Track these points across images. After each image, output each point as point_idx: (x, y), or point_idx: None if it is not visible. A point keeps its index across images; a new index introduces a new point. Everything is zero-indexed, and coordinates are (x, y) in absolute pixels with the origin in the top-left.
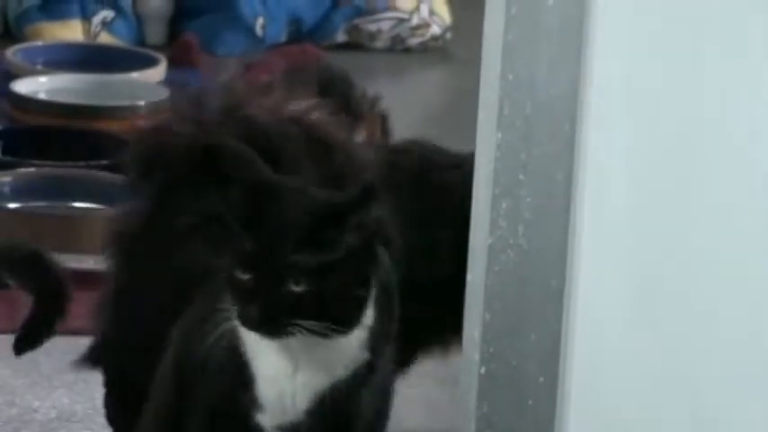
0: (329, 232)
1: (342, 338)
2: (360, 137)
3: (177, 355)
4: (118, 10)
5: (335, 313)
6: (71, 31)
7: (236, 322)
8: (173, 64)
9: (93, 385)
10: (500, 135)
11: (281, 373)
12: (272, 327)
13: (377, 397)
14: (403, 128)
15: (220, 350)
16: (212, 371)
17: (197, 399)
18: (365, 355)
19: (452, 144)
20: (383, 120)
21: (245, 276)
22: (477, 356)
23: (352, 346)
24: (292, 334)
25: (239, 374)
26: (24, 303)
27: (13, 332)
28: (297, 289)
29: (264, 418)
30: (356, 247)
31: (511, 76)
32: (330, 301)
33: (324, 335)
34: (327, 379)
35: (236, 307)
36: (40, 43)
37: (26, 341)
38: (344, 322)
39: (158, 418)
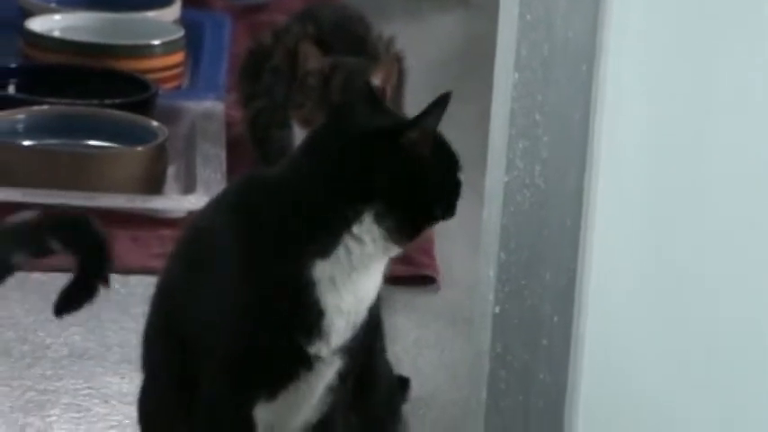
0: None
1: None
2: (376, 78)
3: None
4: None
5: None
6: None
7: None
8: (187, 3)
9: (106, 323)
10: (517, 76)
11: (357, 298)
12: None
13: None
14: (418, 70)
15: (281, 297)
16: (265, 321)
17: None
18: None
19: (468, 84)
20: (399, 61)
21: None
22: (491, 296)
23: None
24: None
25: (309, 316)
26: None
27: (28, 270)
28: None
29: (325, 347)
30: None
31: (528, 17)
32: None
33: None
34: (375, 286)
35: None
36: None
37: (67, 304)
38: None
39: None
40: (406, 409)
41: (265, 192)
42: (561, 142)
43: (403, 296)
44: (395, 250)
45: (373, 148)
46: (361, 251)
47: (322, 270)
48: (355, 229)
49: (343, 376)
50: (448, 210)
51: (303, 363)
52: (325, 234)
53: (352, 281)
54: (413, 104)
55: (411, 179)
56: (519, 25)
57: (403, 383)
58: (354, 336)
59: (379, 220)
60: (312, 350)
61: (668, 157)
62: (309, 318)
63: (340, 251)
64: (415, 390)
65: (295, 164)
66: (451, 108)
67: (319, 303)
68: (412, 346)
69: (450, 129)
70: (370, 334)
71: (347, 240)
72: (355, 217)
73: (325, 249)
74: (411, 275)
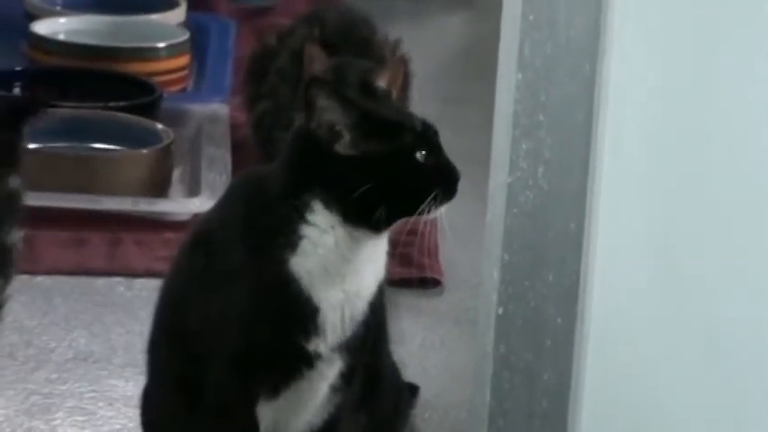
0: None
1: (382, 237)
2: (382, 80)
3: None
4: None
5: None
6: None
7: (442, 203)
8: (193, 6)
9: (111, 326)
10: (520, 76)
11: (347, 293)
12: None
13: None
14: (424, 72)
15: (273, 293)
16: (261, 319)
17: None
18: (388, 248)
19: (473, 86)
20: (404, 63)
21: (421, 157)
22: (495, 297)
23: (384, 243)
24: None
25: (301, 312)
26: (41, 244)
27: (29, 272)
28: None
29: (323, 344)
30: None
31: (531, 17)
32: None
33: None
34: (375, 282)
35: (443, 188)
36: None
37: None
38: None
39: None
40: (412, 411)
41: (250, 192)
42: (564, 143)
43: (408, 299)
44: (369, 237)
45: (309, 139)
46: (325, 240)
47: (297, 264)
48: (309, 217)
49: (346, 377)
50: (399, 196)
51: (303, 360)
52: (287, 227)
53: (335, 274)
54: (419, 106)
55: (341, 164)
56: (522, 25)
57: (412, 390)
58: (354, 333)
59: (328, 205)
60: (310, 347)
61: (671, 158)
62: (302, 314)
63: (305, 243)
64: (422, 392)
65: (273, 164)
66: (457, 110)
67: (309, 299)
68: (418, 349)
69: (456, 131)
70: (373, 333)
71: (306, 230)
72: (305, 206)
73: (292, 243)
74: (416, 278)
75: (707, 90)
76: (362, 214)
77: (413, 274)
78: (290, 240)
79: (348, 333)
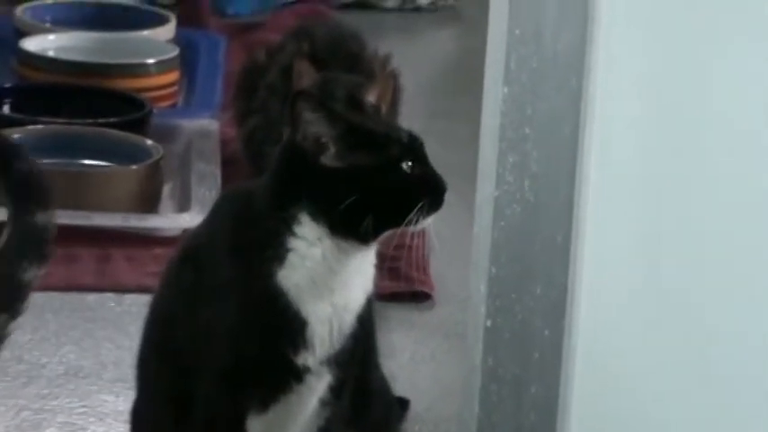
0: None
1: (369, 250)
2: (371, 95)
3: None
4: None
5: None
6: None
7: (429, 214)
8: (182, 23)
9: (101, 341)
10: (506, 90)
11: (335, 306)
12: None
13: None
14: (413, 86)
15: (261, 307)
16: (249, 332)
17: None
18: (376, 261)
19: (461, 101)
20: (394, 78)
21: (408, 168)
22: (483, 310)
23: (372, 256)
24: None
25: (289, 325)
26: None
27: None
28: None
29: (311, 358)
30: None
31: (518, 31)
32: None
33: None
34: (364, 295)
35: (429, 200)
36: (49, 1)
37: None
38: None
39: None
40: (402, 424)
41: (238, 206)
42: (551, 156)
43: (398, 312)
44: (357, 249)
45: (295, 152)
46: (313, 253)
47: (284, 277)
48: (296, 229)
49: (336, 390)
50: (386, 207)
51: (291, 374)
52: (274, 240)
53: (323, 287)
54: (408, 120)
55: (328, 176)
56: (508, 39)
57: (402, 404)
58: (343, 346)
59: (315, 218)
60: (299, 361)
61: (659, 171)
62: (291, 328)
63: (292, 256)
64: (412, 406)
65: (261, 178)
66: (445, 124)
67: (297, 313)
68: (408, 363)
69: (445, 145)
70: (362, 346)
71: (293, 243)
72: (292, 219)
73: (279, 256)
74: (406, 292)
75: (694, 104)
76: (349, 226)
77: (403, 287)
78: (278, 253)
79: (336, 346)
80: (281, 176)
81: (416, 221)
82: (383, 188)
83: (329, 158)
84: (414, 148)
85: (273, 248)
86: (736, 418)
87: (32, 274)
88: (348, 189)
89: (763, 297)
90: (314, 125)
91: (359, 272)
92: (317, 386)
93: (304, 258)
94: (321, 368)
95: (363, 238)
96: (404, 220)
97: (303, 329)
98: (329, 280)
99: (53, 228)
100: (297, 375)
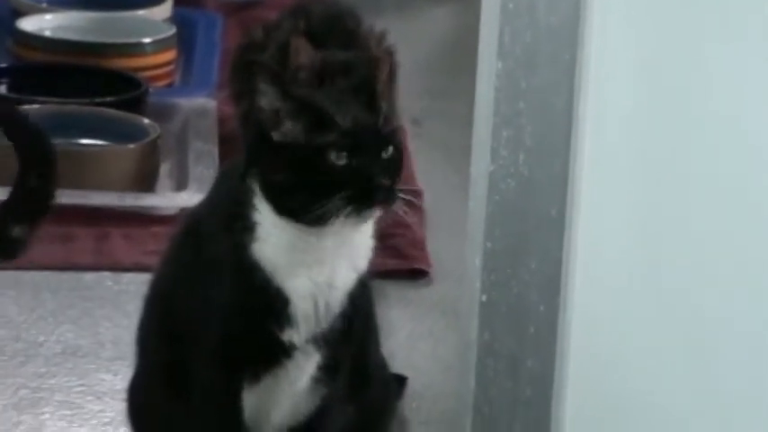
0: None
1: (361, 228)
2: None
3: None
4: None
5: (400, 180)
6: None
7: (347, 212)
8: (179, 1)
9: (99, 320)
10: (500, 64)
11: (318, 284)
12: (392, 194)
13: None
14: (410, 63)
15: (242, 284)
16: (234, 307)
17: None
18: (373, 243)
19: (459, 78)
20: (390, 55)
21: (342, 160)
22: (478, 284)
23: (366, 235)
24: (398, 202)
25: (271, 301)
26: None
27: (17, 267)
28: (386, 155)
29: (297, 335)
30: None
31: (511, 5)
32: (401, 165)
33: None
34: (354, 274)
35: (349, 193)
36: None
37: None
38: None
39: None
40: (401, 401)
41: (230, 180)
42: (545, 130)
43: (396, 290)
44: (305, 229)
45: (256, 124)
46: (275, 227)
47: (258, 250)
48: (256, 202)
49: (329, 369)
50: (306, 193)
51: (279, 350)
52: (244, 212)
53: (297, 263)
54: (406, 99)
55: (273, 151)
56: (501, 13)
57: (400, 381)
58: (332, 326)
59: (262, 191)
60: (284, 337)
61: (653, 144)
62: (272, 303)
63: (259, 228)
64: (410, 383)
65: None
66: (443, 102)
67: (279, 289)
68: (405, 340)
69: (442, 123)
70: (356, 326)
71: (257, 216)
72: (250, 191)
73: (249, 227)
74: (403, 269)
75: (689, 76)
76: (281, 205)
77: (401, 265)
78: (248, 225)
79: (324, 325)
80: (246, 147)
81: (332, 217)
82: (307, 173)
83: (281, 134)
84: (356, 139)
85: (244, 219)
86: (730, 390)
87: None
88: (280, 167)
89: (760, 265)
90: (268, 97)
91: (340, 250)
92: (306, 364)
93: (269, 233)
94: (308, 346)
95: (302, 221)
96: (319, 210)
97: (286, 306)
98: (301, 255)
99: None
100: (284, 352)
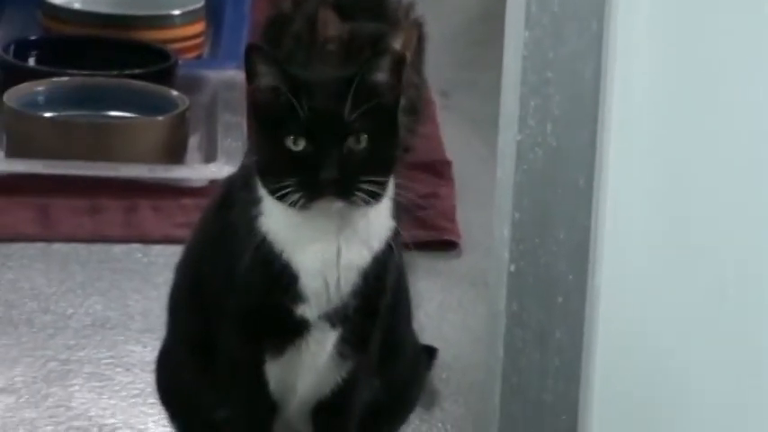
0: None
1: (374, 208)
2: (396, 43)
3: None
4: None
5: (386, 171)
6: None
7: (295, 198)
8: None
9: (128, 292)
10: (528, 33)
11: (326, 261)
12: (344, 188)
13: (397, 272)
14: (438, 35)
15: (255, 256)
16: (248, 279)
17: (227, 312)
18: (392, 224)
19: (487, 49)
20: (419, 26)
21: (299, 147)
22: (506, 255)
23: (382, 216)
24: (358, 195)
25: (280, 275)
26: (57, 212)
27: (46, 240)
28: (357, 147)
29: (309, 310)
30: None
31: None
32: (383, 157)
33: (378, 195)
34: (368, 254)
35: (297, 180)
36: None
37: None
38: (386, 183)
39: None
40: (430, 373)
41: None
42: (573, 100)
43: (425, 261)
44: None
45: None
46: (273, 201)
47: (264, 223)
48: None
49: (352, 345)
50: (270, 175)
51: (293, 324)
52: (252, 184)
53: (302, 239)
54: (434, 70)
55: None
56: None
57: (430, 353)
58: (346, 304)
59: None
60: (298, 312)
61: (680, 113)
62: (282, 277)
63: (265, 200)
64: (440, 354)
65: None
66: (471, 73)
67: (287, 264)
68: (435, 311)
69: (470, 94)
70: (373, 304)
71: (260, 190)
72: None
73: (256, 200)
74: (433, 241)
75: (716, 45)
76: (261, 182)
77: (431, 236)
78: (256, 198)
79: (336, 302)
80: (252, 123)
81: (290, 201)
82: (269, 155)
83: (262, 112)
84: (314, 125)
85: (252, 191)
86: (759, 356)
87: None
88: (259, 146)
89: None
90: (267, 77)
91: (347, 229)
92: (324, 340)
93: (271, 209)
94: (322, 323)
95: (278, 200)
96: (275, 195)
97: (295, 281)
98: (307, 233)
99: None
100: (300, 326)
